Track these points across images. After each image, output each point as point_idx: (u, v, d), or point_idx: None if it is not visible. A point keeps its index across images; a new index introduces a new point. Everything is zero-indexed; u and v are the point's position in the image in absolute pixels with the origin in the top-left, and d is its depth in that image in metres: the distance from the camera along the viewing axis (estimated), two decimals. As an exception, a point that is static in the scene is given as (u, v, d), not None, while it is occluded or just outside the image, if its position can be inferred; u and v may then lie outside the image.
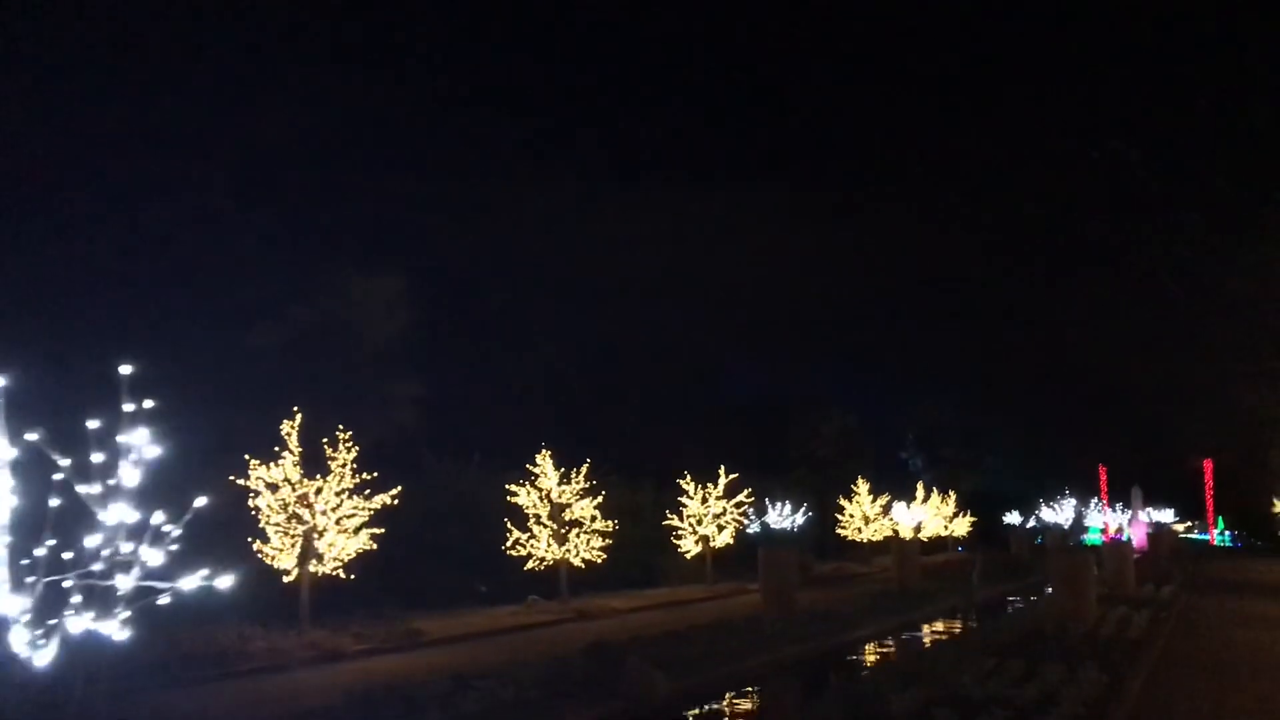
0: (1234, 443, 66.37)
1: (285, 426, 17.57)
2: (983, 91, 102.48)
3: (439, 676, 12.23)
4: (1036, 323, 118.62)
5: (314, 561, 17.66)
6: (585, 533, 23.67)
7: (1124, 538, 68.09)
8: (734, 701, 13.21)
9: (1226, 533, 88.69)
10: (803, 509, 37.39)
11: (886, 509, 45.30)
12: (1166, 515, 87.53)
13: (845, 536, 44.40)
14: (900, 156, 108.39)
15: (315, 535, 17.65)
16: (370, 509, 18.29)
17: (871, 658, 17.49)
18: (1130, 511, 68.99)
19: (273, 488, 17.46)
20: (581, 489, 23.85)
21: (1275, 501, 50.34)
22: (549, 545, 23.32)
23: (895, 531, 41.34)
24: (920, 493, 50.30)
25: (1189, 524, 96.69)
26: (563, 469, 23.86)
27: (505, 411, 37.99)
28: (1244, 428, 52.92)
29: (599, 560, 23.85)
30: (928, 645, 18.64)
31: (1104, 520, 71.75)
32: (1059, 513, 66.73)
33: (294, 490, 17.55)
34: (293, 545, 17.53)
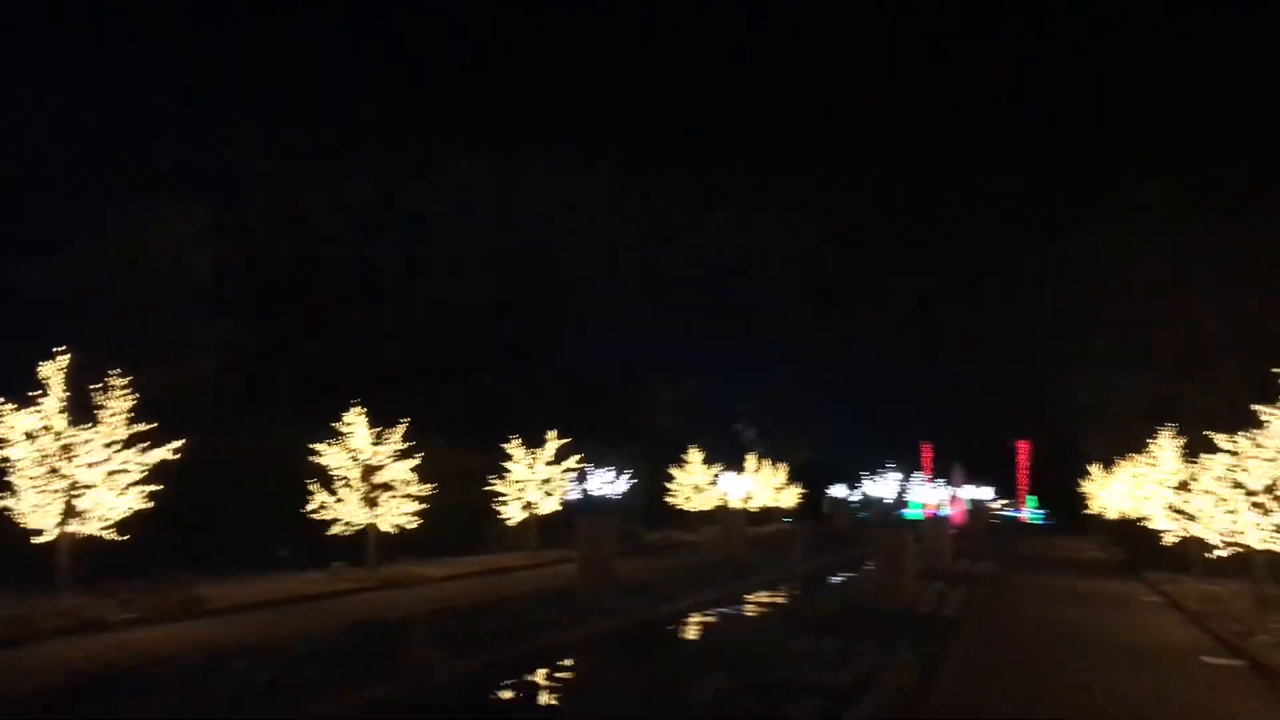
0: (1049, 426, 69.74)
1: (47, 368, 15.56)
2: (819, 60, 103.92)
3: (206, 651, 10.81)
4: (871, 303, 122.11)
5: (75, 521, 15.73)
6: (398, 497, 22.24)
7: (943, 514, 70.55)
8: (525, 684, 12.02)
9: (1038, 511, 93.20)
10: (627, 475, 36.74)
11: (717, 479, 45.24)
12: (985, 493, 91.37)
13: (675, 505, 44.12)
14: (755, 124, 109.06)
15: (77, 491, 15.71)
16: (145, 465, 16.43)
17: (686, 633, 16.74)
18: (950, 489, 71.46)
19: (30, 437, 15.44)
20: (397, 450, 22.39)
21: (1082, 482, 52.57)
22: (357, 509, 21.81)
23: (724, 501, 41.20)
24: (752, 463, 50.49)
25: (1004, 502, 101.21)
26: (378, 429, 22.34)
27: (328, 366, 35.92)
28: (1058, 412, 55.43)
29: (412, 526, 22.47)
30: (745, 620, 18.09)
31: (926, 496, 74.11)
32: (883, 488, 68.49)
33: (56, 440, 15.58)
34: (51, 503, 15.56)
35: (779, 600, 20.74)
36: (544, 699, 11.46)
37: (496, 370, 47.81)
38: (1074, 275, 31.00)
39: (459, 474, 28.51)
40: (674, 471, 44.28)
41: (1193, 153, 27.43)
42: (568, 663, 13.42)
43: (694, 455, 44.68)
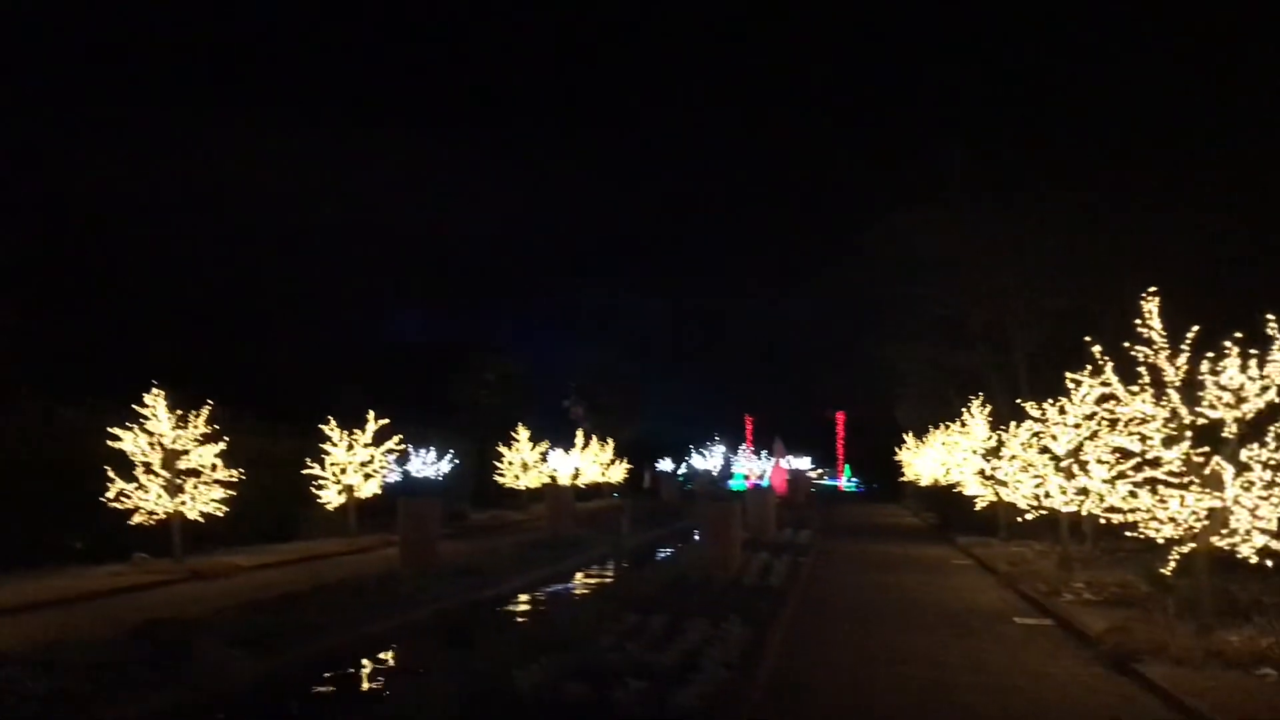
0: (866, 397, 72.34)
1: None
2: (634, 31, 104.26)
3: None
4: (695, 281, 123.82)
5: None
6: (205, 483, 20.87)
7: (765, 484, 72.35)
8: (338, 679, 11.30)
9: (855, 479, 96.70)
10: (449, 456, 35.85)
11: (546, 456, 44.84)
12: (803, 462, 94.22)
13: (504, 484, 43.53)
14: (580, 99, 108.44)
15: None
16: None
17: (513, 617, 16.28)
18: (772, 460, 73.24)
19: None
20: (201, 434, 20.98)
21: (897, 450, 54.65)
22: (159, 496, 20.34)
23: (552, 478, 40.85)
24: (580, 439, 50.31)
25: (823, 471, 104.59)
26: (180, 412, 20.86)
27: (126, 348, 33.62)
28: (875, 384, 57.50)
29: (220, 513, 21.14)
30: (572, 600, 17.77)
31: (748, 468, 75.73)
32: (708, 460, 69.50)
33: None
34: None
35: (607, 578, 20.52)
36: (357, 695, 10.79)
37: (311, 351, 45.99)
38: (891, 249, 31.88)
39: (273, 458, 27.08)
40: (502, 450, 43.65)
41: (1001, 130, 28.49)
42: (386, 654, 12.77)
43: (522, 433, 44.12)
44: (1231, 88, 23.09)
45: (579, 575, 21.43)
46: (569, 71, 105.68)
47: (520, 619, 15.86)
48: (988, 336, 32.29)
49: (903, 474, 54.78)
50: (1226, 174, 22.74)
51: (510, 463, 43.58)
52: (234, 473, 21.35)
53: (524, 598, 17.77)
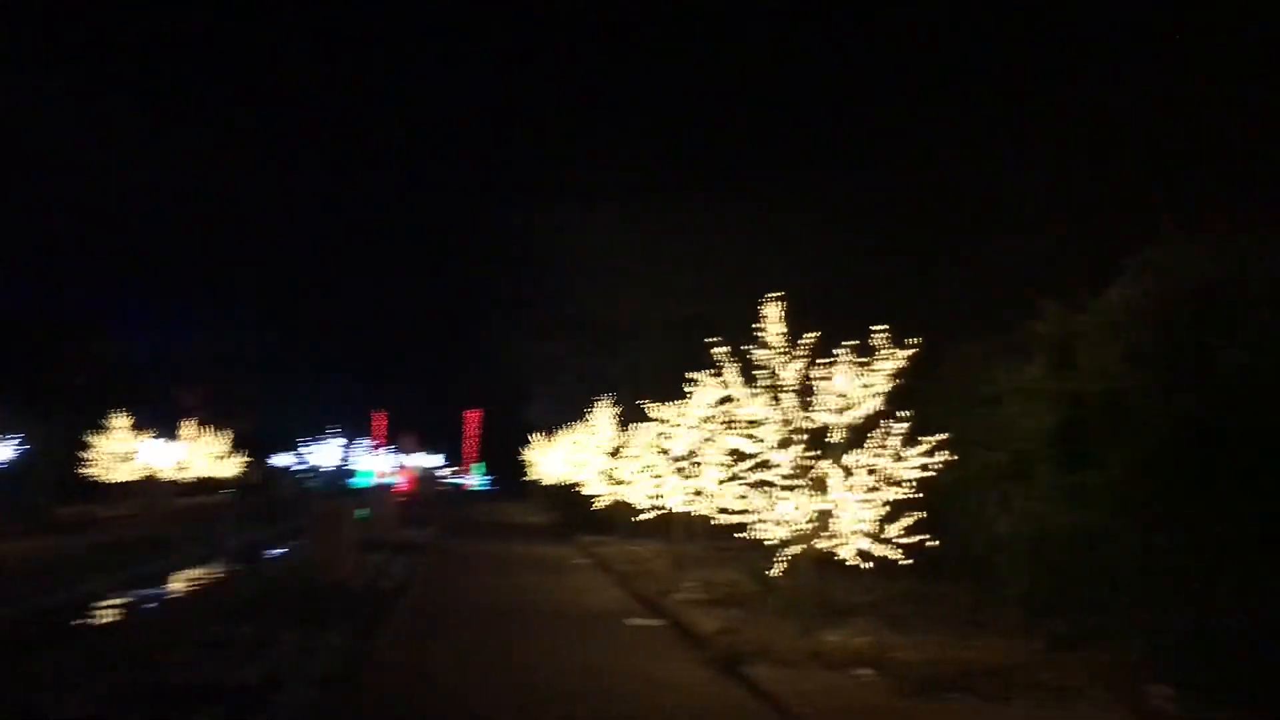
0: (498, 395, 72.46)
1: None
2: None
3: None
4: (326, 272, 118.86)
5: None
6: None
7: (390, 481, 70.40)
8: None
9: (485, 478, 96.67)
10: (15, 441, 31.45)
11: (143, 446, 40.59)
12: (435, 461, 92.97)
13: (96, 477, 38.82)
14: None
15: None
16: None
17: (86, 624, 13.97)
18: (401, 456, 71.52)
19: None
20: None
21: (526, 449, 54.88)
22: None
23: (150, 472, 36.98)
24: (191, 429, 46.14)
25: (454, 469, 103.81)
26: None
27: None
28: (507, 382, 57.58)
29: None
30: (153, 606, 15.67)
31: (375, 464, 73.43)
32: (328, 455, 66.51)
33: None
34: None
35: (201, 581, 18.45)
36: None
37: None
38: (528, 248, 31.78)
39: None
40: (93, 439, 38.92)
41: (638, 138, 29.17)
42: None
43: (119, 421, 39.56)
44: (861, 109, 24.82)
45: (171, 577, 19.05)
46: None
47: (95, 626, 13.63)
48: (615, 338, 32.90)
49: (531, 473, 55.06)
50: (855, 190, 24.41)
51: (102, 453, 38.95)
52: None
53: (104, 603, 15.40)
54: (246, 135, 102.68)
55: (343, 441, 65.99)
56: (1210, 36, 18.62)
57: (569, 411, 38.26)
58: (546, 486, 46.29)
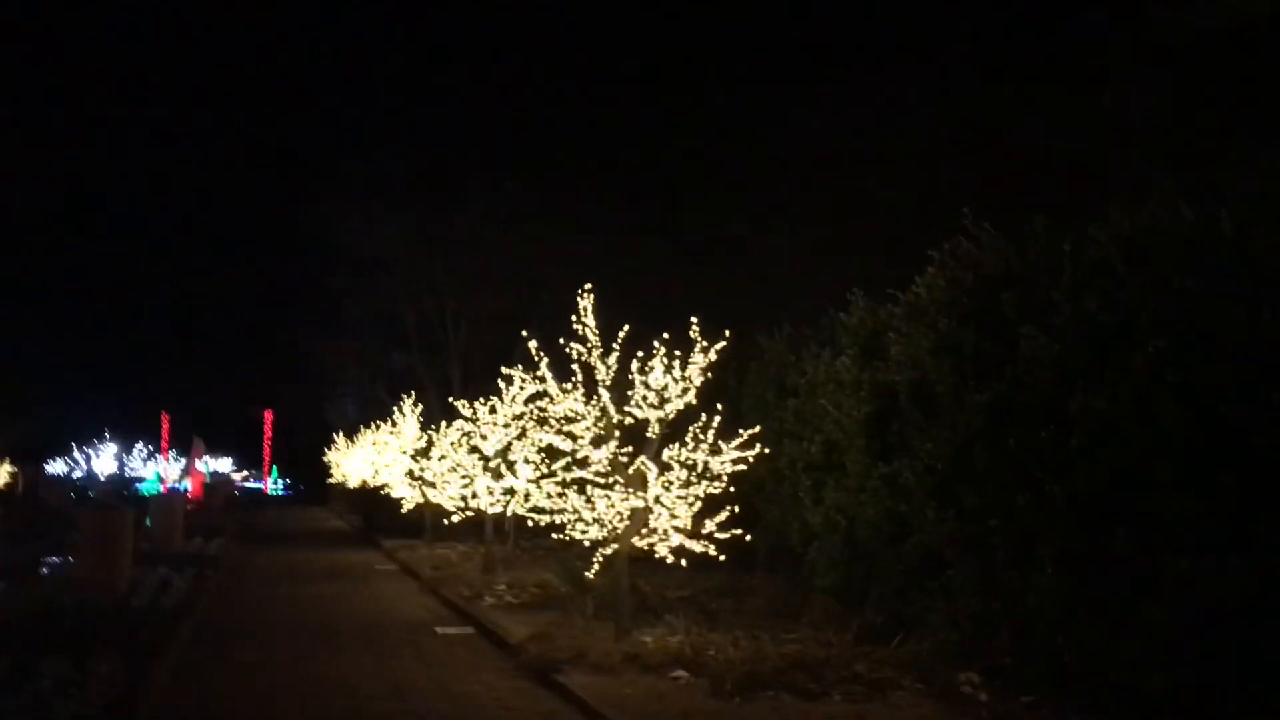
0: (295, 395, 69.29)
1: None
2: None
3: None
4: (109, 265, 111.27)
5: None
6: None
7: (181, 487, 66.32)
8: None
9: (282, 481, 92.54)
10: None
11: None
12: (226, 464, 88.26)
13: None
14: None
15: None
16: None
17: None
18: (188, 461, 67.43)
19: None
20: None
21: (327, 450, 52.72)
22: None
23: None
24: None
25: (248, 473, 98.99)
26: None
27: None
28: (305, 380, 55.11)
29: None
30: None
31: (163, 470, 69.04)
32: (105, 462, 61.93)
33: None
34: None
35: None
36: None
37: None
38: (322, 241, 30.36)
39: None
40: None
41: (440, 129, 28.35)
42: None
43: None
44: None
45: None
46: None
47: None
48: (421, 335, 31.88)
49: (332, 475, 52.93)
50: (654, 177, 24.36)
51: None
52: None
53: None
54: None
55: (113, 446, 61.23)
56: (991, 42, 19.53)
57: (373, 410, 36.91)
58: (350, 489, 44.58)
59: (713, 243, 22.74)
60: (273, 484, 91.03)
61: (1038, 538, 8.34)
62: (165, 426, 76.70)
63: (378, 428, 32.91)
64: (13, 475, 49.51)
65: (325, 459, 53.76)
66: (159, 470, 67.22)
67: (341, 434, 48.58)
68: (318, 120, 70.35)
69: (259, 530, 35.18)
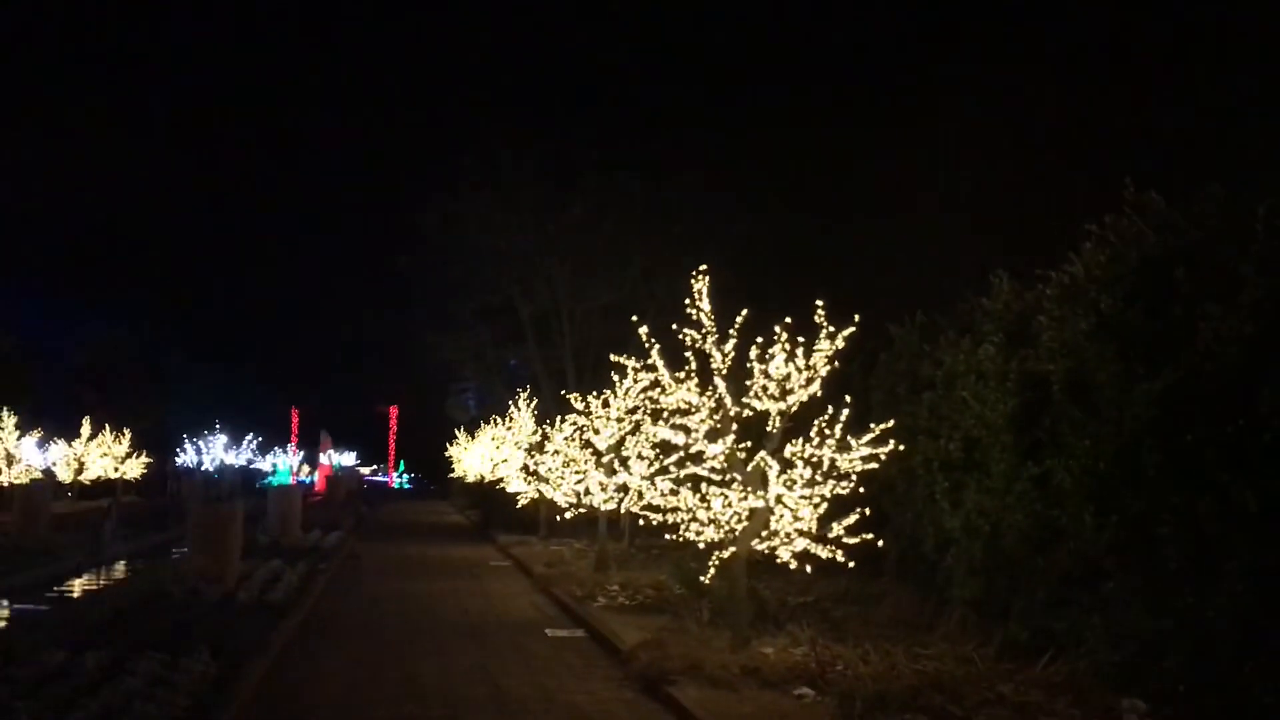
0: (418, 390, 70.35)
1: None
2: None
3: None
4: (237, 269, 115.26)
5: None
6: None
7: (306, 481, 67.97)
8: None
9: (407, 475, 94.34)
10: None
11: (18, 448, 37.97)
12: (354, 459, 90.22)
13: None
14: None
15: None
16: None
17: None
18: (317, 455, 69.05)
19: None
20: None
21: (449, 446, 53.12)
22: None
23: (30, 475, 34.57)
24: (87, 429, 43.60)
25: (375, 467, 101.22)
26: None
27: None
28: (428, 376, 55.73)
29: None
30: None
31: (292, 463, 70.89)
32: (240, 455, 63.63)
33: None
34: None
35: (65, 593, 16.70)
36: None
37: None
38: (442, 235, 30.21)
39: None
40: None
41: (553, 118, 27.95)
42: None
43: (6, 420, 37.07)
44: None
45: (25, 594, 16.93)
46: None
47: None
48: (537, 330, 31.56)
49: (453, 470, 53.32)
50: (768, 160, 23.45)
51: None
52: None
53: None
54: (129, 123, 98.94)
55: (223, 438, 62.46)
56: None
57: (492, 405, 36.85)
58: (467, 484, 44.78)
59: (839, 224, 21.61)
60: (398, 478, 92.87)
61: (1220, 548, 7.22)
62: (295, 421, 78.91)
63: (496, 424, 32.79)
64: (147, 466, 51.14)
65: (447, 454, 54.25)
66: (289, 463, 69.07)
67: (462, 429, 48.91)
68: (434, 115, 71.00)
69: (379, 523, 35.41)
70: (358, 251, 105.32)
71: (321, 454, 54.87)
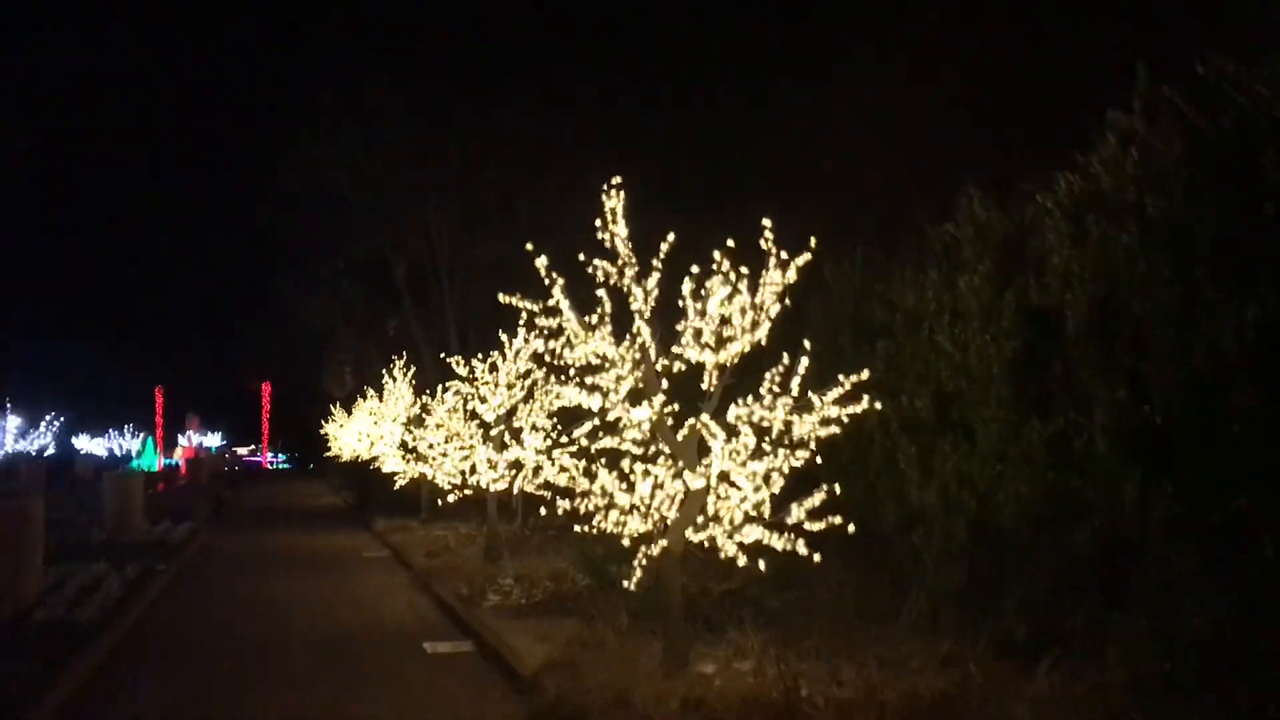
0: (293, 366, 66.31)
1: None
2: None
3: None
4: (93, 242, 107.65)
5: None
6: None
7: (173, 463, 63.60)
8: None
9: (282, 455, 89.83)
10: None
11: None
12: (222, 439, 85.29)
13: None
14: None
15: None
16: None
17: None
18: (184, 436, 64.76)
19: None
20: None
21: (324, 423, 49.71)
22: None
23: None
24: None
25: (251, 447, 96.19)
26: None
27: None
28: (301, 347, 52.10)
29: None
30: None
31: (158, 445, 66.28)
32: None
33: None
34: None
35: None
36: None
37: None
38: (306, 186, 27.16)
39: None
40: None
41: (427, 59, 25.11)
42: None
43: None
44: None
45: None
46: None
47: None
48: (413, 288, 28.78)
49: (330, 448, 49.95)
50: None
51: None
52: None
53: None
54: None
55: (56, 418, 57.05)
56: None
57: (371, 378, 33.88)
58: (342, 463, 41.67)
59: (751, 152, 19.34)
60: (273, 458, 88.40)
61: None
62: (159, 401, 73.84)
63: (370, 397, 29.96)
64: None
65: (324, 431, 50.80)
66: (149, 445, 64.38)
67: (338, 404, 45.58)
68: (300, 43, 65.11)
69: (242, 509, 32.32)
70: (211, 206, 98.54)
71: (187, 435, 50.84)
